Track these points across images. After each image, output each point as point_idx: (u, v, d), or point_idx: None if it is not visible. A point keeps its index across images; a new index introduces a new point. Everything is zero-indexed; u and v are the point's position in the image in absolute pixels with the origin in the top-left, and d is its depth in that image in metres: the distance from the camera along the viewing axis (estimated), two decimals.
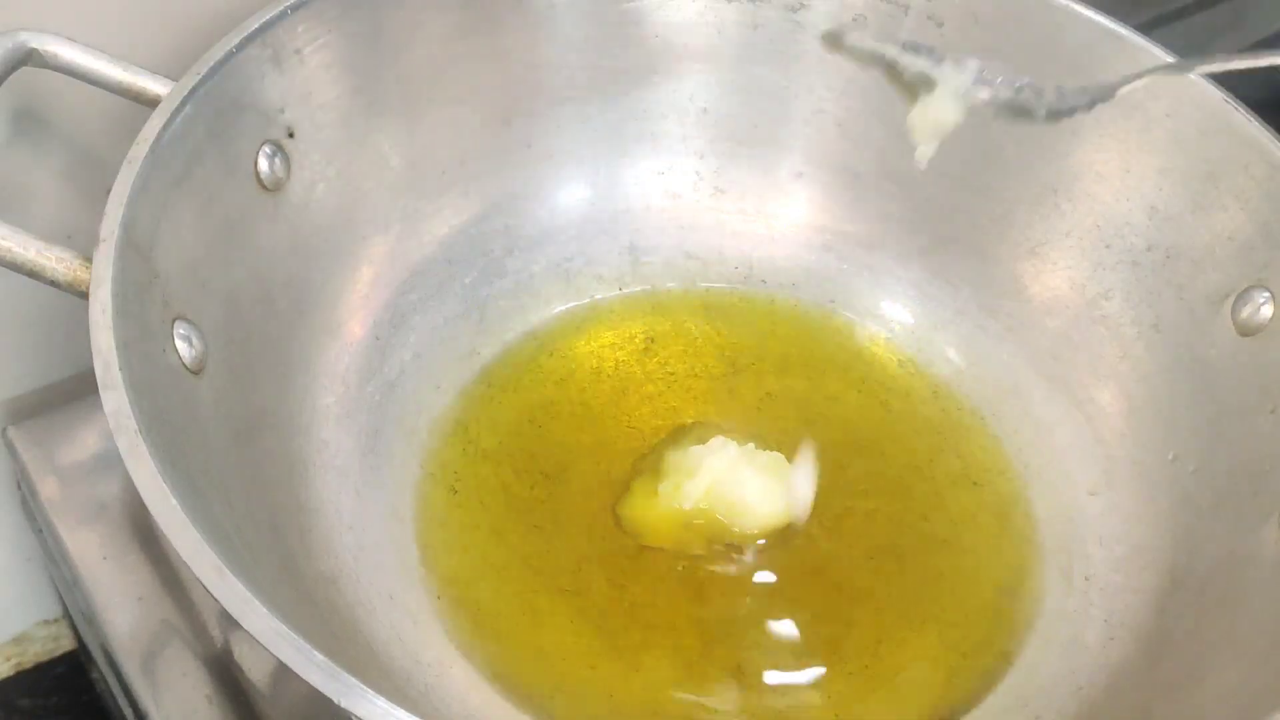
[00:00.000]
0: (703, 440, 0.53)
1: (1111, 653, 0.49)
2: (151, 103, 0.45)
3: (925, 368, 0.58)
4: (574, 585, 0.50)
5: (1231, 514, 0.49)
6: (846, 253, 0.60)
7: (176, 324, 0.43)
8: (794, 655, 0.49)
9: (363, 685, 0.34)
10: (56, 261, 0.41)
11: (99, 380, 0.38)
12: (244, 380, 0.46)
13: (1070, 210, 0.56)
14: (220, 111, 0.46)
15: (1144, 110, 0.53)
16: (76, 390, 0.57)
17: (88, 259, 0.41)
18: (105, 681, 0.56)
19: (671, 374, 0.57)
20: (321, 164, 0.51)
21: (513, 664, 0.48)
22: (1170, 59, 0.52)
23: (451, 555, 0.50)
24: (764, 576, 0.51)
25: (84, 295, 0.40)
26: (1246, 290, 0.51)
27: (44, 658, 0.68)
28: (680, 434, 0.55)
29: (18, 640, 0.67)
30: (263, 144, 0.49)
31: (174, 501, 0.36)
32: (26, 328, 0.56)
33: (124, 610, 0.51)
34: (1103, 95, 0.45)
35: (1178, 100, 0.52)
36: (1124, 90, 0.46)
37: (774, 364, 0.58)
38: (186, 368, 0.43)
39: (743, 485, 0.51)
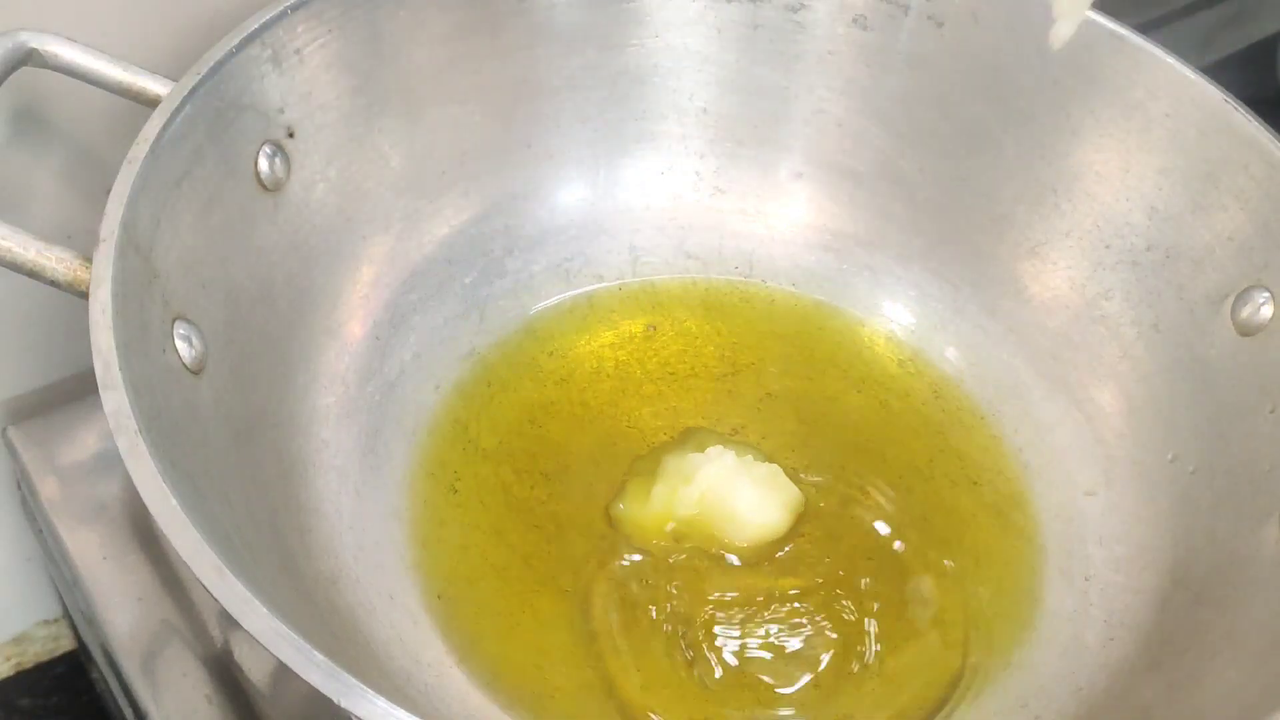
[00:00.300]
0: (702, 447, 0.53)
1: (1111, 653, 0.49)
2: (151, 103, 0.45)
3: (925, 368, 0.58)
4: (574, 585, 0.50)
5: (1231, 514, 0.49)
6: (846, 253, 0.60)
7: (176, 324, 0.43)
8: (794, 656, 0.49)
9: (363, 685, 0.34)
10: (56, 261, 0.41)
11: (99, 380, 0.38)
12: (244, 380, 0.46)
13: (1070, 210, 0.56)
14: (220, 111, 0.46)
15: (1144, 110, 0.53)
16: (76, 390, 0.57)
17: (88, 259, 0.41)
18: (105, 681, 0.56)
19: (672, 374, 0.57)
20: (321, 164, 0.51)
21: (513, 664, 0.48)
22: (1173, 59, 0.52)
23: (451, 555, 0.50)
24: (764, 577, 0.51)
25: (84, 295, 0.40)
26: (1246, 290, 0.51)
27: (44, 658, 0.68)
28: (684, 437, 0.55)
29: (18, 640, 0.67)
30: (263, 144, 0.49)
31: (174, 501, 0.36)
32: (26, 328, 0.56)
33: (124, 610, 0.51)
34: None
35: (1178, 100, 0.52)
36: None
37: (774, 364, 0.58)
38: (186, 368, 0.43)
39: (736, 497, 0.51)
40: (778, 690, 0.49)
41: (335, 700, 0.33)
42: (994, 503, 0.54)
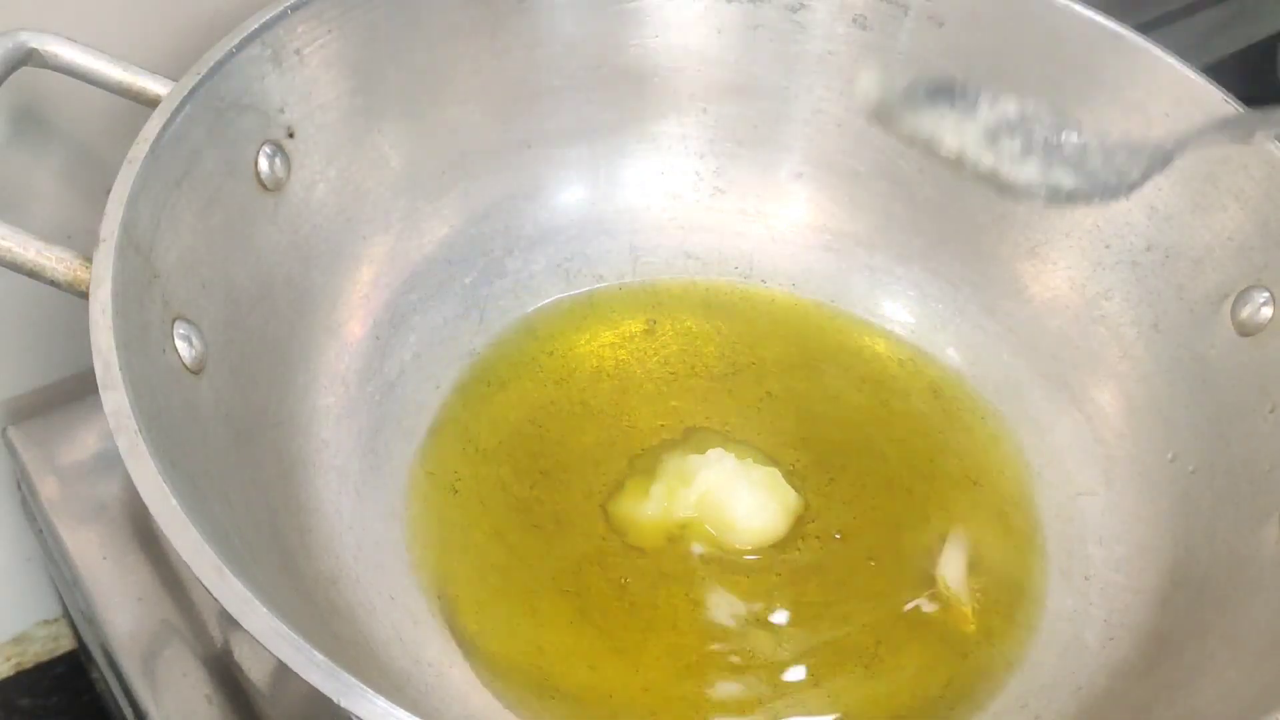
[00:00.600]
0: (702, 449, 0.53)
1: (1111, 653, 0.49)
2: (151, 103, 0.45)
3: (925, 368, 0.58)
4: (574, 585, 0.50)
5: (1231, 514, 0.49)
6: (846, 253, 0.60)
7: (176, 324, 0.43)
8: (794, 655, 0.49)
9: (363, 685, 0.34)
10: (56, 261, 0.41)
11: (99, 380, 0.38)
12: (244, 380, 0.46)
13: (1070, 210, 0.56)
14: (220, 111, 0.46)
15: (1144, 110, 0.53)
16: (76, 390, 0.57)
17: (88, 259, 0.41)
18: (105, 681, 0.56)
19: (672, 374, 0.57)
20: (321, 164, 0.51)
21: (513, 664, 0.48)
22: (1173, 59, 0.52)
23: (452, 555, 0.50)
24: (764, 577, 0.51)
25: (84, 295, 0.40)
26: (1246, 290, 0.51)
27: (44, 658, 0.68)
28: (685, 436, 0.55)
29: (18, 640, 0.67)
30: (263, 144, 0.49)
31: (174, 501, 0.36)
32: (26, 328, 0.56)
33: (124, 610, 0.51)
34: (1158, 163, 0.43)
35: (1177, 100, 0.52)
36: (1180, 155, 0.43)
37: (774, 364, 0.58)
38: (186, 368, 0.43)
39: (734, 501, 0.51)
40: (777, 690, 0.49)
41: (335, 700, 0.33)
42: (994, 503, 0.54)
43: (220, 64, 0.46)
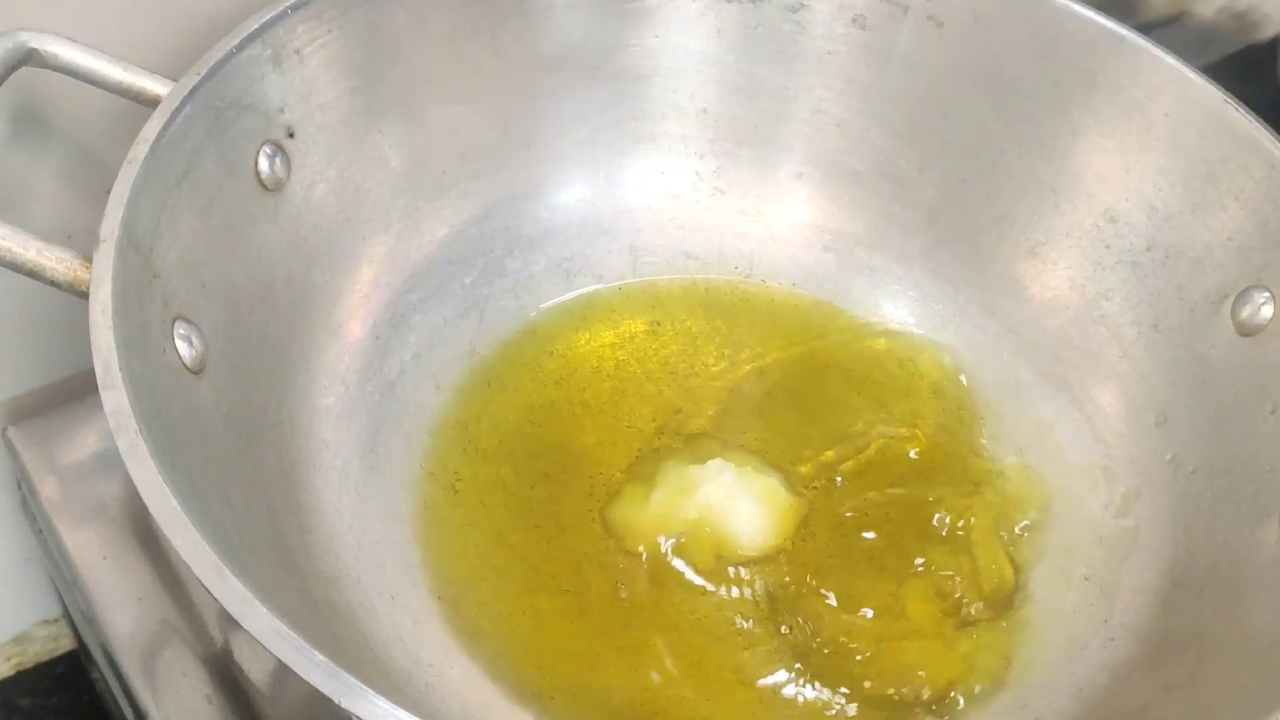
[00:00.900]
0: (702, 456, 0.53)
1: (1111, 653, 0.49)
2: (151, 103, 0.45)
3: (925, 368, 0.58)
4: (574, 585, 0.50)
5: (1231, 514, 0.49)
6: (846, 253, 0.60)
7: (176, 324, 0.43)
8: (794, 656, 0.49)
9: (363, 685, 0.34)
10: (56, 261, 0.41)
11: (99, 380, 0.38)
12: (244, 380, 0.46)
13: (1070, 210, 0.56)
14: (220, 111, 0.46)
15: (1144, 110, 0.53)
16: (76, 390, 0.57)
17: (88, 259, 0.41)
18: (105, 681, 0.56)
19: (672, 374, 0.57)
20: (321, 164, 0.51)
21: (513, 664, 0.48)
22: (1173, 59, 0.52)
23: (452, 555, 0.50)
24: (763, 579, 0.51)
25: (84, 295, 0.40)
26: (1246, 290, 0.51)
27: (44, 658, 0.68)
28: (686, 443, 0.54)
29: (18, 640, 0.67)
30: (263, 144, 0.49)
31: (174, 501, 0.36)
32: (26, 328, 0.56)
33: (124, 610, 0.51)
34: None
35: (1178, 100, 0.52)
36: None
37: (774, 364, 0.58)
38: (186, 368, 0.43)
39: (734, 514, 0.51)
40: (777, 690, 0.49)
41: (335, 700, 0.33)
42: (994, 503, 0.54)
43: (220, 64, 0.46)
